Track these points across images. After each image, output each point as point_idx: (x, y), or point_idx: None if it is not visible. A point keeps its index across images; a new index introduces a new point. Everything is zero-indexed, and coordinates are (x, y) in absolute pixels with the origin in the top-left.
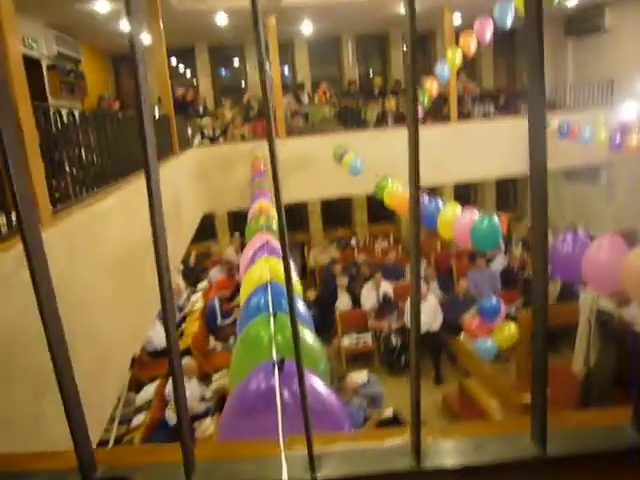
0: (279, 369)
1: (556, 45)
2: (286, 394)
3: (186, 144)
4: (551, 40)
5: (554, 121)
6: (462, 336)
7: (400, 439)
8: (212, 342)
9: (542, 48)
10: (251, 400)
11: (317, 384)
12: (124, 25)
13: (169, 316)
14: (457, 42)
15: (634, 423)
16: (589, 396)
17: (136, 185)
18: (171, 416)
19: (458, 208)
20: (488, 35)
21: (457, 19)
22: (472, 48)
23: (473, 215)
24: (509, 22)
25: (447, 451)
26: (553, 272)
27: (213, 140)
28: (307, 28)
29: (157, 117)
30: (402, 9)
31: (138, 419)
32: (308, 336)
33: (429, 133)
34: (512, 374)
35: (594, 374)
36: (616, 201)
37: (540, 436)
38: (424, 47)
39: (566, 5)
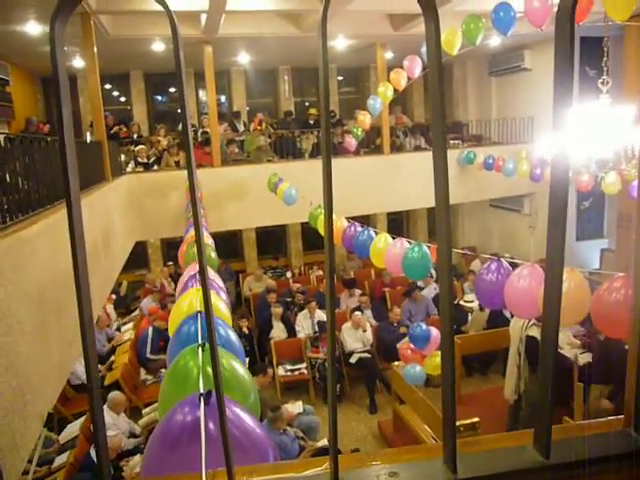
0: (205, 402)
1: (481, 83)
2: (212, 426)
3: (119, 170)
4: (476, 78)
5: (480, 155)
6: (397, 363)
7: (320, 468)
8: (143, 374)
9: (443, 92)
10: (176, 433)
11: (244, 416)
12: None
13: (90, 353)
14: (389, 77)
15: (536, 444)
16: (518, 422)
17: (64, 212)
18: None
19: (389, 238)
20: (417, 71)
21: (389, 55)
22: (402, 83)
23: (404, 244)
24: None
25: (363, 478)
26: (478, 299)
27: (147, 167)
28: (244, 58)
29: (89, 142)
30: (336, 43)
31: (61, 458)
32: (238, 367)
33: (362, 164)
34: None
35: (524, 400)
36: (538, 230)
37: (451, 460)
38: (357, 81)
39: (489, 45)
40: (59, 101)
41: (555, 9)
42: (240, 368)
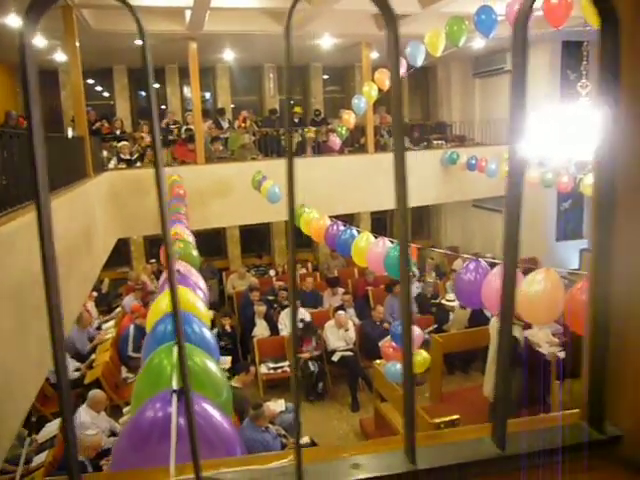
0: (178, 398)
1: (465, 84)
2: (182, 423)
3: (101, 167)
4: (460, 79)
5: (463, 156)
6: (378, 361)
7: (285, 461)
8: (124, 372)
9: (400, 95)
10: (146, 429)
11: (213, 412)
12: (38, 40)
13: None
14: (374, 77)
15: (493, 436)
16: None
17: None
18: None
19: (371, 237)
20: (401, 71)
21: (374, 55)
22: (387, 83)
23: (385, 244)
24: (420, 61)
25: (326, 471)
26: (458, 298)
27: (130, 164)
28: (229, 55)
29: (71, 137)
30: (322, 42)
31: (40, 458)
32: (211, 365)
33: (347, 163)
34: (426, 397)
35: None
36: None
37: (411, 451)
38: (342, 80)
39: (472, 47)
40: (28, 105)
41: (536, 13)
42: (213, 366)
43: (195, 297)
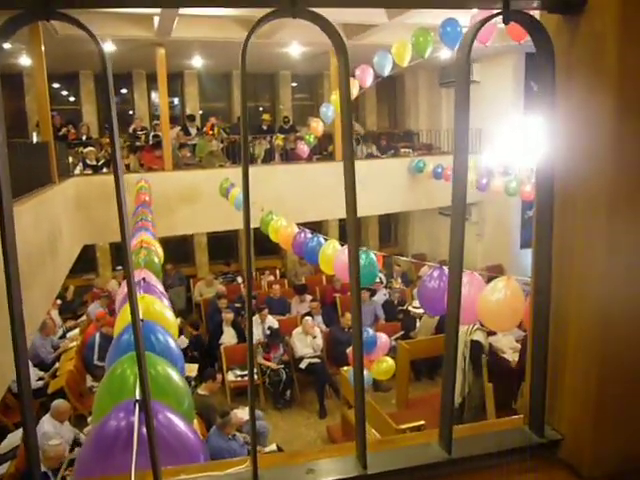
0: (140, 408)
1: (432, 93)
2: (144, 432)
3: (67, 173)
4: (428, 88)
5: (429, 164)
6: (345, 368)
7: (242, 467)
8: (89, 381)
9: (350, 110)
10: (109, 438)
11: (176, 420)
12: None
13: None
14: None
15: (440, 441)
16: (462, 422)
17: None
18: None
19: (338, 244)
20: (369, 81)
21: None
22: (354, 92)
23: None
24: (387, 70)
25: (282, 476)
26: (421, 305)
27: (96, 169)
28: (198, 62)
29: (35, 142)
30: (290, 50)
31: (2, 469)
32: (173, 374)
33: (314, 171)
34: (393, 403)
35: (467, 402)
36: (484, 237)
37: (362, 456)
38: (311, 88)
39: (439, 57)
40: None
41: (498, 25)
42: (175, 375)
43: (162, 305)
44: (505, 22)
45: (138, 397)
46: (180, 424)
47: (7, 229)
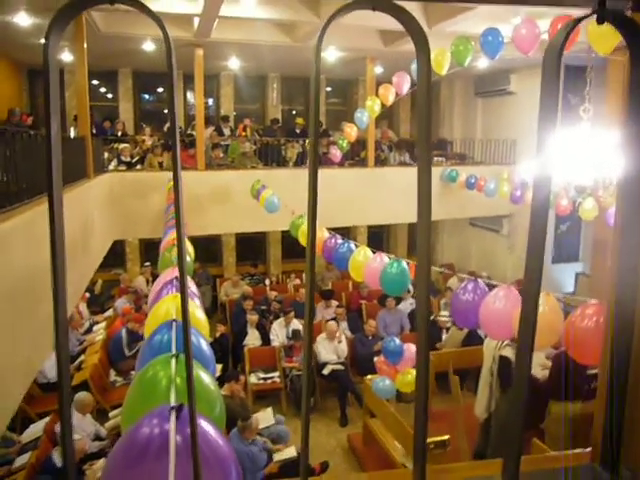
0: (177, 415)
1: (467, 103)
2: (179, 441)
3: (101, 168)
4: (463, 97)
5: (462, 173)
6: (369, 377)
7: None
8: (112, 375)
9: (430, 113)
10: (141, 446)
11: (210, 430)
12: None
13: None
14: (377, 91)
15: (504, 475)
16: (487, 440)
17: (43, 207)
18: (58, 457)
19: (369, 252)
20: (405, 88)
21: (379, 69)
22: (390, 99)
23: (383, 259)
24: None
25: None
26: (454, 318)
27: (130, 166)
28: (234, 63)
29: (72, 137)
30: (327, 54)
31: (23, 459)
32: (205, 378)
33: (346, 176)
34: None
35: (494, 419)
36: (515, 250)
37: None
38: (346, 93)
39: (477, 66)
40: (48, 112)
41: (542, 37)
42: (207, 378)
43: (194, 305)
44: (599, 22)
45: (173, 403)
46: (212, 433)
47: (57, 218)
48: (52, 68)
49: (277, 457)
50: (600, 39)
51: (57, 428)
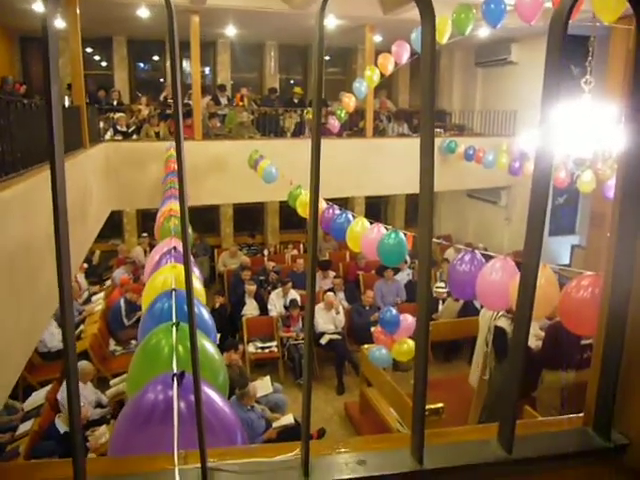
0: (178, 382)
1: (467, 73)
2: (183, 407)
3: (97, 137)
4: (463, 68)
5: (461, 145)
6: (366, 346)
7: (291, 454)
8: (112, 345)
9: (434, 79)
10: (146, 412)
11: (214, 396)
12: (37, 5)
13: (67, 319)
14: (376, 61)
15: (499, 438)
16: (482, 406)
17: (39, 177)
18: (61, 424)
19: (366, 222)
20: (405, 57)
21: (378, 38)
22: (389, 68)
23: (381, 230)
24: None
25: (332, 466)
26: (450, 289)
27: (126, 136)
28: (231, 31)
29: (67, 106)
30: (326, 22)
31: (25, 426)
32: (208, 347)
33: (344, 146)
34: (411, 384)
35: (488, 387)
36: (513, 222)
37: (418, 451)
38: (344, 62)
39: (477, 35)
40: (48, 82)
41: (546, 4)
42: (211, 347)
43: (193, 275)
44: None
45: (175, 370)
46: (218, 400)
47: (59, 189)
48: (51, 36)
49: (275, 424)
50: (605, 7)
51: (59, 396)
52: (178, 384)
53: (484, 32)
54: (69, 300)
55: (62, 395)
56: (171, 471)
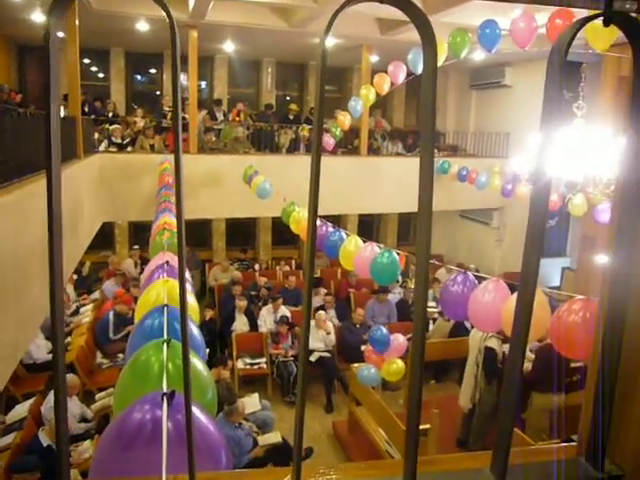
0: (168, 402)
1: (461, 95)
2: (171, 428)
3: (92, 148)
4: (457, 89)
5: (454, 165)
6: (356, 365)
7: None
8: (99, 358)
9: (434, 100)
10: (132, 432)
11: (201, 416)
12: (35, 15)
13: (58, 331)
14: (372, 80)
15: (492, 468)
16: (470, 431)
17: (32, 187)
18: (45, 437)
19: (360, 241)
20: (401, 77)
21: (375, 58)
22: (385, 88)
23: (374, 249)
24: (420, 68)
25: None
26: (442, 309)
27: (121, 147)
28: (229, 47)
29: (62, 116)
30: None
31: (7, 439)
32: (198, 364)
33: (338, 164)
34: (400, 404)
35: (478, 409)
36: (504, 243)
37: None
38: (340, 80)
39: (473, 59)
40: (48, 95)
41: (540, 31)
42: (199, 364)
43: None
44: (606, 24)
45: (165, 389)
46: (204, 420)
47: (54, 195)
48: (53, 50)
49: (262, 442)
50: (598, 36)
51: (43, 409)
52: (168, 404)
53: (479, 56)
54: (60, 311)
55: (46, 408)
56: None
